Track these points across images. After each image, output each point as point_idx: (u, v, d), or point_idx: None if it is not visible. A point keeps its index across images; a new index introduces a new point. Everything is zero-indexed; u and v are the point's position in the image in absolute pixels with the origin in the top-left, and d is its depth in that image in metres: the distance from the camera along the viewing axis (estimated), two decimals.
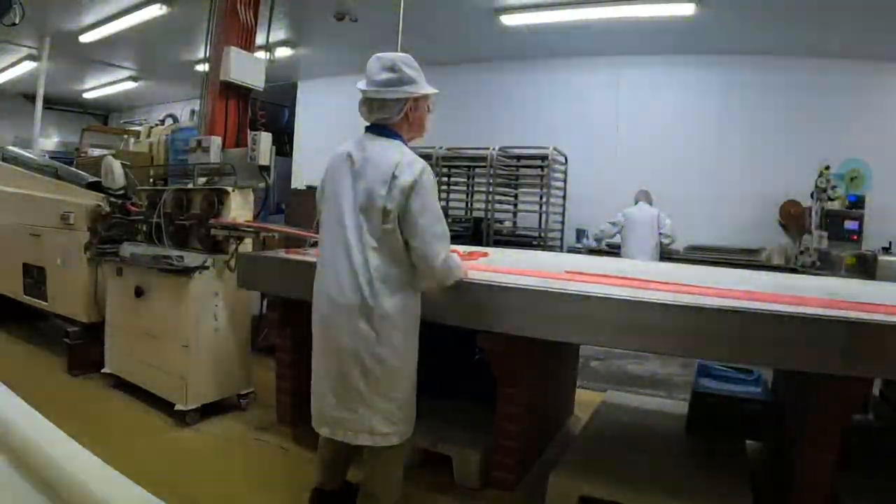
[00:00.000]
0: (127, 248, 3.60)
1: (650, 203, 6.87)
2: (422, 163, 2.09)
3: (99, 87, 11.91)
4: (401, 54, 2.19)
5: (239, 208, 3.50)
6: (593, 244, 7.53)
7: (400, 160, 2.05)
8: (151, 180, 4.09)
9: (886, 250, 6.03)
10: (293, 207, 7.70)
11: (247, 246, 3.50)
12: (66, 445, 0.98)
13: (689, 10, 6.27)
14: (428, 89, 2.19)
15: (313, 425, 2.25)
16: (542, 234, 7.36)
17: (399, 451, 2.23)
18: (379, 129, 2.15)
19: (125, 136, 6.60)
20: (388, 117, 2.13)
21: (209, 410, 3.39)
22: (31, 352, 4.52)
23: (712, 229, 7.37)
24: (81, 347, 3.97)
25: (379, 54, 2.17)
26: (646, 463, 2.70)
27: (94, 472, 0.89)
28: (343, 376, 2.10)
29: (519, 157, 7.59)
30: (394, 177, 2.02)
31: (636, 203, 6.88)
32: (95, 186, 4.16)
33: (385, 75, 2.11)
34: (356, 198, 2.08)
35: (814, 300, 2.29)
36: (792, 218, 7.07)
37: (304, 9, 7.02)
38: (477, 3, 6.68)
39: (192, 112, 7.28)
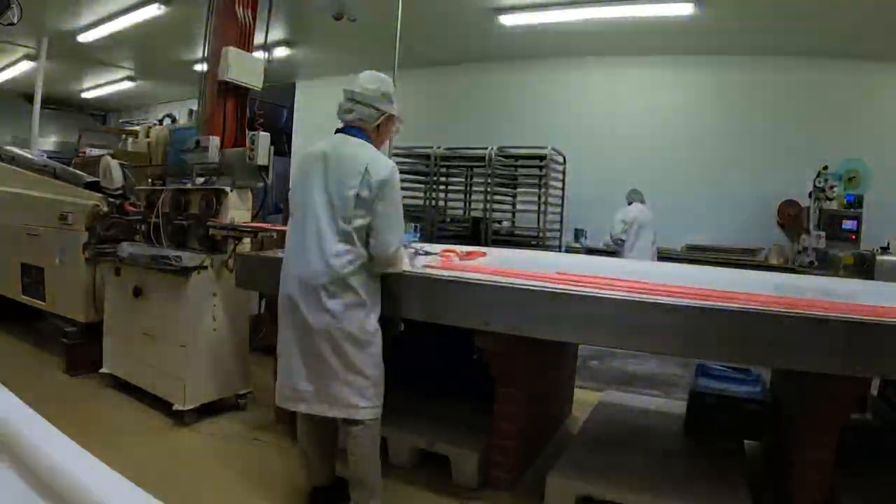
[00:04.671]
0: (125, 248, 3.59)
1: (643, 202, 6.90)
2: (391, 162, 2.38)
3: (97, 86, 11.88)
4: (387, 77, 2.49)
5: (237, 208, 3.50)
6: (599, 245, 7.55)
7: (372, 157, 2.30)
8: (150, 180, 4.08)
9: (884, 250, 6.04)
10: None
11: (245, 246, 3.50)
12: (65, 445, 0.98)
13: (687, 10, 6.28)
14: (399, 114, 2.50)
15: (285, 405, 2.37)
16: (541, 234, 7.35)
17: (376, 429, 2.36)
18: (353, 131, 2.38)
19: (123, 136, 6.58)
20: (365, 122, 2.38)
21: (207, 410, 3.38)
22: (29, 352, 4.51)
23: (711, 229, 7.38)
24: (79, 347, 3.97)
25: (372, 72, 2.47)
26: (644, 463, 2.70)
27: (93, 473, 0.89)
28: (317, 353, 2.26)
29: (517, 157, 7.58)
30: (367, 171, 2.24)
31: (630, 203, 6.91)
32: (94, 186, 4.16)
33: (375, 86, 2.39)
34: (329, 189, 2.27)
35: (812, 300, 2.30)
36: (790, 218, 7.08)
37: (302, 8, 7.01)
38: (476, 3, 6.68)
39: (191, 112, 7.26)
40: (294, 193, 2.42)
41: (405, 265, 2.55)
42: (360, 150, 2.31)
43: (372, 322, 2.32)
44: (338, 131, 2.41)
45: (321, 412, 2.30)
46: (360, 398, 2.27)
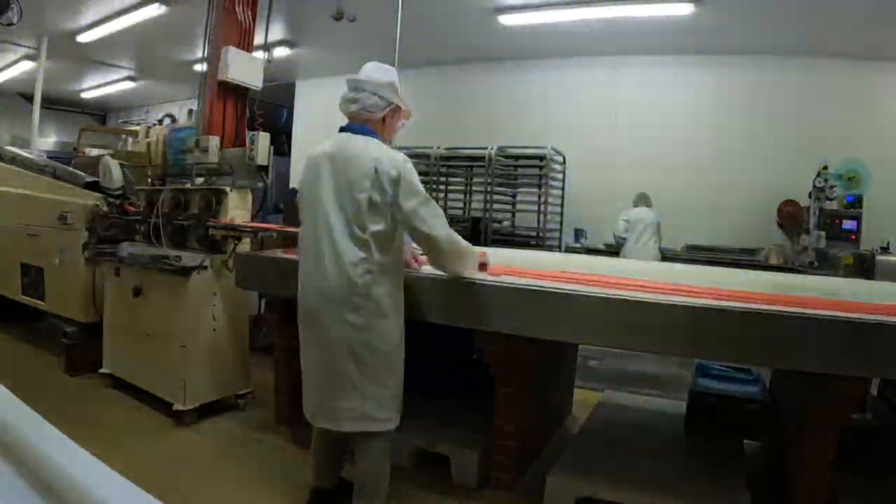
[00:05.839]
0: (125, 248, 3.60)
1: (649, 206, 6.96)
2: (401, 155, 2.22)
3: (97, 86, 11.87)
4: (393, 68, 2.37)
5: (237, 208, 3.50)
6: (599, 244, 7.58)
7: (380, 155, 2.16)
8: (149, 180, 4.08)
9: (884, 250, 6.04)
10: (291, 207, 7.70)
11: (245, 246, 3.50)
12: (65, 446, 0.98)
13: (687, 9, 6.27)
14: (405, 106, 2.36)
15: (309, 419, 2.32)
16: (540, 234, 7.36)
17: (388, 438, 2.31)
18: (358, 127, 2.26)
19: (123, 136, 6.58)
20: (370, 113, 2.25)
21: (207, 410, 3.38)
22: (28, 352, 4.51)
23: (710, 229, 7.38)
24: (79, 347, 3.97)
25: (376, 62, 2.35)
26: (644, 463, 2.70)
27: (93, 473, 0.89)
28: (335, 367, 2.18)
29: (517, 157, 7.59)
30: (376, 171, 2.11)
31: (635, 206, 6.98)
32: (93, 186, 4.16)
33: (379, 75, 2.28)
34: (339, 193, 2.16)
35: (812, 300, 2.30)
36: (790, 218, 7.08)
37: (302, 8, 7.02)
38: (476, 3, 6.68)
39: (191, 112, 7.28)
40: (302, 199, 2.31)
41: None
42: (367, 149, 2.17)
43: (395, 333, 2.24)
44: (342, 130, 2.28)
45: (340, 429, 2.24)
46: (380, 410, 2.21)
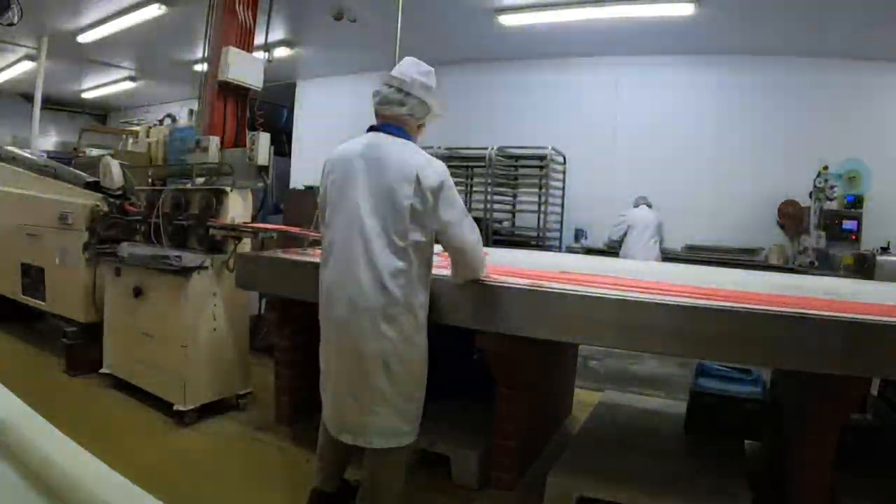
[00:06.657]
0: (125, 248, 3.60)
1: (650, 206, 6.99)
2: (440, 163, 2.13)
3: (97, 87, 11.88)
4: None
5: (237, 208, 3.50)
6: (599, 245, 7.60)
7: (421, 161, 2.07)
8: (150, 180, 4.08)
9: (885, 250, 6.03)
10: (292, 207, 7.70)
11: (245, 246, 3.50)
12: (65, 446, 0.98)
13: (688, 9, 6.27)
14: (438, 110, 2.27)
15: (333, 434, 2.22)
16: (541, 234, 7.36)
17: (409, 450, 2.27)
18: (393, 129, 2.15)
19: (123, 136, 6.58)
20: (414, 118, 2.17)
21: (207, 410, 3.38)
22: (29, 352, 4.51)
23: (711, 229, 7.38)
24: (80, 347, 3.97)
25: (414, 59, 2.24)
26: (644, 463, 2.70)
27: (93, 473, 0.89)
28: (367, 381, 2.07)
29: (517, 157, 7.60)
30: (418, 178, 2.01)
31: (636, 206, 7.00)
32: (94, 186, 4.16)
33: (425, 78, 2.19)
34: (376, 198, 2.05)
35: (812, 300, 2.30)
36: (790, 218, 7.08)
37: (302, 8, 7.02)
38: (476, 3, 6.68)
39: (191, 112, 7.27)
40: (329, 201, 2.17)
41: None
42: (407, 153, 2.07)
43: (426, 345, 2.18)
44: (372, 129, 2.17)
45: (368, 445, 2.14)
46: (407, 424, 2.16)
